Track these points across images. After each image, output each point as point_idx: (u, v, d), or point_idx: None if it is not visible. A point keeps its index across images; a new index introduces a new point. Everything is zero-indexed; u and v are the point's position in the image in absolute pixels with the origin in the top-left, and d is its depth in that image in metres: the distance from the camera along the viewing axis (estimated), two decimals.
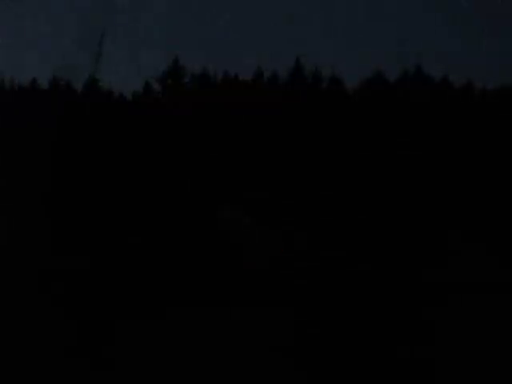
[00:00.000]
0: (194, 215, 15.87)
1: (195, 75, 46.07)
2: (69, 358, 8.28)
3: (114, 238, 13.08)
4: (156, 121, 37.49)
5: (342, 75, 46.71)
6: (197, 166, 26.88)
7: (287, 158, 31.44)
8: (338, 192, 22.83)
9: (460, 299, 11.83)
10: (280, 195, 22.18)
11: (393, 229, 16.77)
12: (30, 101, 38.10)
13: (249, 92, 44.07)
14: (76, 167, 21.01)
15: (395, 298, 11.77)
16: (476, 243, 16.53)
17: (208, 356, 9.19)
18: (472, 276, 13.30)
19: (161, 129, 35.34)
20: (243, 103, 40.93)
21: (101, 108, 35.90)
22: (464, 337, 9.09)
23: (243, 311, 11.09)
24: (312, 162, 30.77)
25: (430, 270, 13.87)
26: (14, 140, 25.14)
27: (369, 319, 10.10)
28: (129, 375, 7.81)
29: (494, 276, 13.33)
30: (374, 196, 22.22)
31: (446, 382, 8.65)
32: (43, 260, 11.97)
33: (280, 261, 13.13)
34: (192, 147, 32.25)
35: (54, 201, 16.22)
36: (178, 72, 45.45)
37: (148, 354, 9.34)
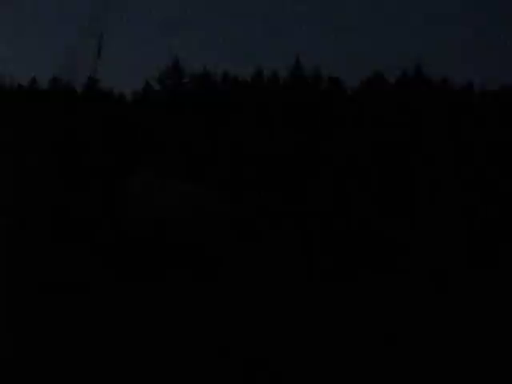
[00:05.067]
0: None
1: (195, 75, 46.18)
2: None
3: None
4: (156, 121, 37.52)
5: (342, 75, 46.92)
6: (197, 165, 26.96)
7: (286, 156, 31.48)
8: (335, 192, 22.88)
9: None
10: (277, 196, 22.23)
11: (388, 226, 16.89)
12: (30, 101, 38.12)
13: (249, 92, 44.18)
14: (75, 166, 21.08)
15: None
16: None
17: None
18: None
19: (160, 128, 35.37)
20: (243, 103, 41.02)
21: (101, 108, 35.94)
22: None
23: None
24: (310, 161, 30.81)
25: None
26: (13, 140, 25.19)
27: None
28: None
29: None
30: (373, 194, 22.25)
31: None
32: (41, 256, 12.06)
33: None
34: (192, 147, 32.31)
35: (52, 199, 16.30)
36: (178, 72, 45.52)
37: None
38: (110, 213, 13.32)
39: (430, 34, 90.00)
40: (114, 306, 9.37)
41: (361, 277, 11.93)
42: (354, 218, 17.25)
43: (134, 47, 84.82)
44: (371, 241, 14.86)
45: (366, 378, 7.14)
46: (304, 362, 7.48)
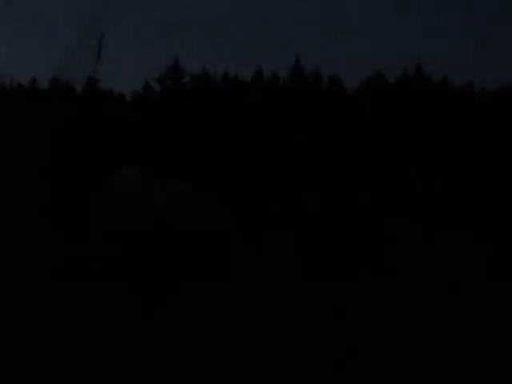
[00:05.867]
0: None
1: (195, 75, 46.14)
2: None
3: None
4: (156, 121, 37.53)
5: (342, 75, 46.80)
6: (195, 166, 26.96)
7: (286, 156, 31.49)
8: (335, 191, 22.88)
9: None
10: (277, 196, 22.22)
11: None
12: (30, 101, 38.12)
13: (249, 92, 44.15)
14: (75, 167, 21.10)
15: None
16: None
17: None
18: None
19: (160, 128, 35.38)
20: (243, 103, 41.00)
21: (101, 108, 35.93)
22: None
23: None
24: (310, 161, 30.81)
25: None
26: (13, 140, 25.21)
27: None
28: None
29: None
30: (372, 193, 22.26)
31: None
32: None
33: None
34: (191, 148, 32.31)
35: (52, 200, 16.33)
36: (178, 72, 45.49)
37: None
38: (108, 212, 13.32)
39: (430, 34, 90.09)
40: (112, 307, 9.37)
41: (359, 277, 11.93)
42: (354, 217, 17.25)
43: (134, 47, 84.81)
44: (370, 240, 14.86)
45: (363, 378, 7.14)
46: (302, 360, 7.48)
